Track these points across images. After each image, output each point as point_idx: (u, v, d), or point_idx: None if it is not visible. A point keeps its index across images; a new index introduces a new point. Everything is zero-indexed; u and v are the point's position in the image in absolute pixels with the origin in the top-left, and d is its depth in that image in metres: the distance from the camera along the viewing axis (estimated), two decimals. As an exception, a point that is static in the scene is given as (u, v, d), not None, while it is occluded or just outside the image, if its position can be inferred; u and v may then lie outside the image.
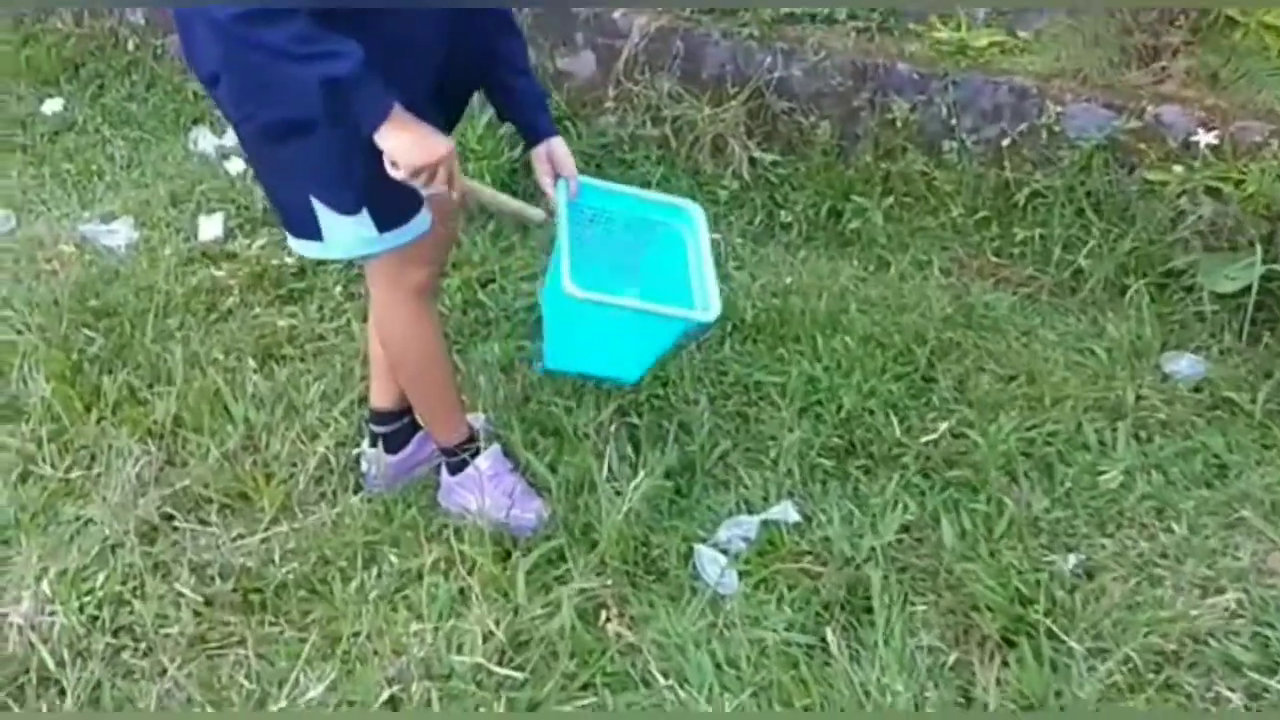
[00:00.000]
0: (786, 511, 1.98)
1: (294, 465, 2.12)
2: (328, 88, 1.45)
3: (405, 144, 1.53)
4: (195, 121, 3.81)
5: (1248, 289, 2.33)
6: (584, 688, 1.67)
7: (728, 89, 2.99)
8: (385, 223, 1.69)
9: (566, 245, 1.79)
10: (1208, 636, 1.72)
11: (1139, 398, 2.30)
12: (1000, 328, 2.53)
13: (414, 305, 1.84)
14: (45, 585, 1.76)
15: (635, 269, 2.08)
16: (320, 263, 2.84)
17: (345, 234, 1.68)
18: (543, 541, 1.90)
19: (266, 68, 1.48)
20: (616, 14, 3.16)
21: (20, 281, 2.81)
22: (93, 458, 2.13)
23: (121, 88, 4.12)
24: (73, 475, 2.08)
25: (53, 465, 2.11)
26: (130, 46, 4.26)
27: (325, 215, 1.67)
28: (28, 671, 1.65)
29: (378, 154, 1.56)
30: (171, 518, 1.96)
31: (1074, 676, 1.68)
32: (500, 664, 1.68)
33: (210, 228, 3.09)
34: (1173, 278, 2.53)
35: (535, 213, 1.98)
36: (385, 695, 1.62)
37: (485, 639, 1.70)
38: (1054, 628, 1.75)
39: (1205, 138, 2.41)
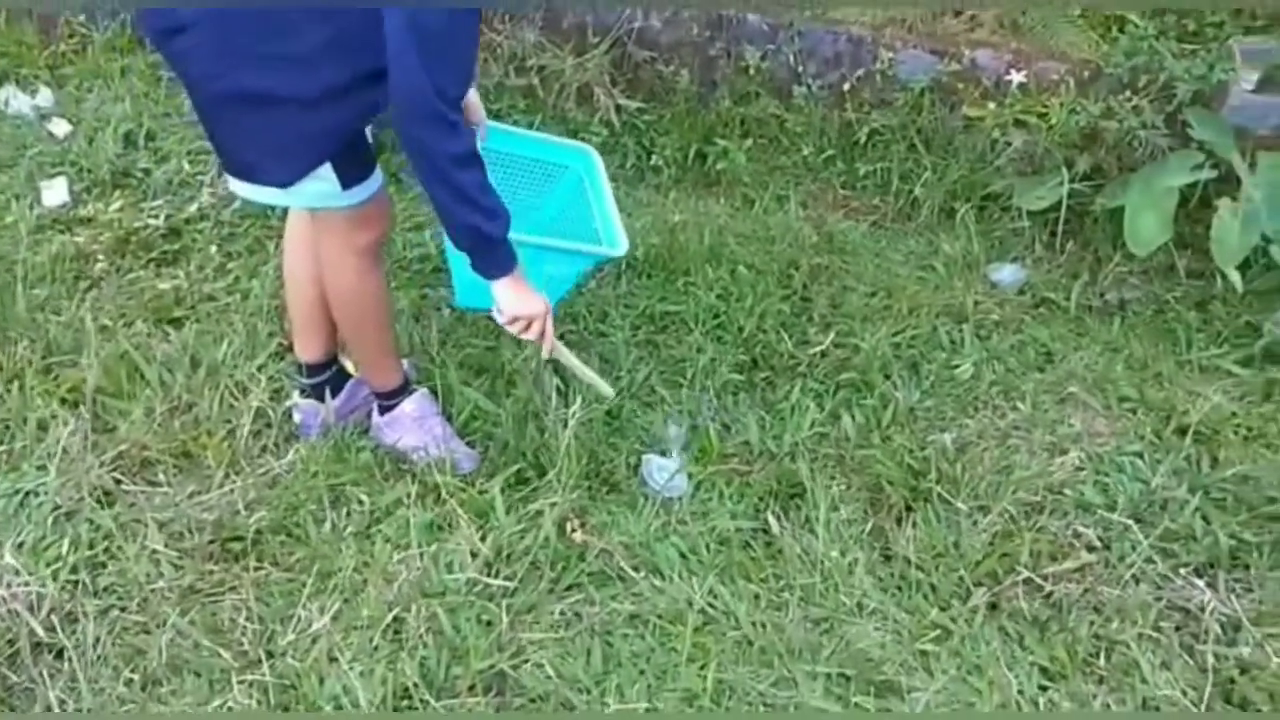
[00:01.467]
0: (702, 409, 2.24)
1: (228, 422, 2.13)
2: (479, 238, 1.67)
3: (512, 297, 1.77)
4: (-2, 80, 3.52)
5: (1055, 206, 2.77)
6: (569, 588, 1.85)
7: (589, 39, 3.14)
8: (348, 179, 1.76)
9: None
10: (1062, 488, 2.12)
11: (976, 303, 2.69)
12: (857, 251, 2.87)
13: (364, 263, 1.91)
14: (7, 558, 1.72)
15: (539, 209, 2.22)
16: (199, 217, 2.78)
17: (310, 187, 1.73)
18: (503, 468, 2.04)
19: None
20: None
21: None
22: (8, 430, 2.05)
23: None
24: (-6, 450, 2.00)
25: (-33, 443, 2.02)
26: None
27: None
28: (15, 642, 1.62)
29: (351, 123, 1.68)
30: (119, 481, 1.94)
31: (964, 530, 2.03)
32: (490, 577, 1.82)
33: (54, 194, 2.91)
34: (992, 200, 2.95)
35: (607, 389, 2.10)
36: (389, 617, 1.73)
37: (473, 556, 1.84)
38: (944, 493, 2.10)
39: (1015, 77, 2.82)
